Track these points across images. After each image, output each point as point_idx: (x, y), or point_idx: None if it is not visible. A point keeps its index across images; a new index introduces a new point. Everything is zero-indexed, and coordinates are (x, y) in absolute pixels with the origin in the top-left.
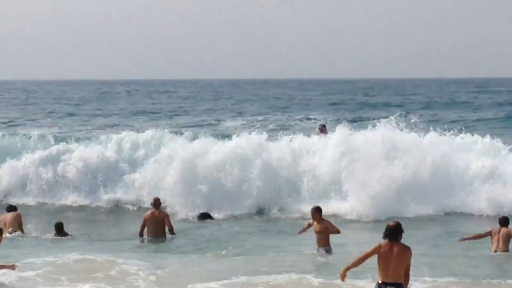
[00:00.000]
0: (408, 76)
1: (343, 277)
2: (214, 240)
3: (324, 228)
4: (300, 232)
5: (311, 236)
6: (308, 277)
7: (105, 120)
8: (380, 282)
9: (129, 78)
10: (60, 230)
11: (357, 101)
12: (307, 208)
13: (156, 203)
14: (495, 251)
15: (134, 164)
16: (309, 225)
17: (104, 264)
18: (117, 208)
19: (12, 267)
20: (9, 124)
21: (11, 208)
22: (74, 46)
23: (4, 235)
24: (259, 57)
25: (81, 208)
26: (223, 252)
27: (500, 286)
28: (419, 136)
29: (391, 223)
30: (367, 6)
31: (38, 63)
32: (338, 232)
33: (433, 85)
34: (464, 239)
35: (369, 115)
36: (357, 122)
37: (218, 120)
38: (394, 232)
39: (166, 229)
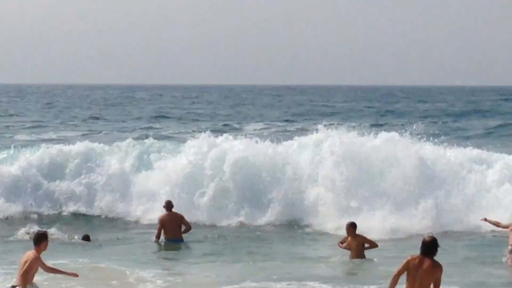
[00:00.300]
0: (433, 84)
1: None
2: (232, 247)
3: (360, 243)
4: (341, 246)
5: (332, 245)
6: (322, 285)
7: (127, 124)
8: None
9: (152, 83)
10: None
11: (380, 108)
12: (326, 217)
13: (169, 205)
14: None
15: (147, 171)
16: (344, 242)
17: (123, 271)
18: (130, 215)
19: (75, 274)
20: (32, 127)
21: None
22: (99, 51)
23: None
24: (283, 63)
25: (93, 216)
26: (239, 258)
27: None
28: (447, 154)
29: (426, 238)
30: (392, 13)
31: (64, 67)
32: (375, 246)
33: (458, 92)
34: (486, 220)
35: (392, 121)
36: (382, 125)
37: (240, 123)
38: (428, 248)
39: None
